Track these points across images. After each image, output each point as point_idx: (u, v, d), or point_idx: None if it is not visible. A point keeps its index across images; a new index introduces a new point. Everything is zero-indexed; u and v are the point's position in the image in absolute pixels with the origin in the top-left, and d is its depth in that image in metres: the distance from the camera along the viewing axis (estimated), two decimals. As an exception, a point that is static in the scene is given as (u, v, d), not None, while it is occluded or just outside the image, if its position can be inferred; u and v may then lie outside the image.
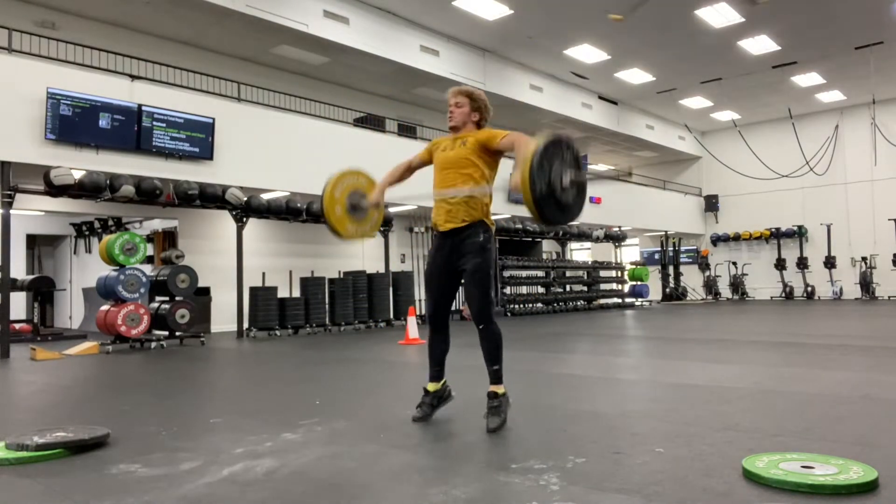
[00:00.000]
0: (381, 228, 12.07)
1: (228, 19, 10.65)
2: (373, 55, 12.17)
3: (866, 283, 18.53)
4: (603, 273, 17.83)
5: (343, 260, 13.01)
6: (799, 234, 20.27)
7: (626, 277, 18.25)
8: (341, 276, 11.74)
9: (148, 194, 8.80)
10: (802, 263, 19.91)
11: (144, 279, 8.58)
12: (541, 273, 15.72)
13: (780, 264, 20.32)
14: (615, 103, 18.43)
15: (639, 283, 18.38)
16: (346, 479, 2.51)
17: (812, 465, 2.39)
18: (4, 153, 7.76)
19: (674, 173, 22.92)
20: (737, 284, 20.97)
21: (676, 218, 21.01)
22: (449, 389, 3.58)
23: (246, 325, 10.27)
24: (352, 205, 3.60)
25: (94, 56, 9.01)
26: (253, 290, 10.38)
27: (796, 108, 19.08)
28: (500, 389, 3.27)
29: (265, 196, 10.45)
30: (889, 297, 18.50)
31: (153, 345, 8.56)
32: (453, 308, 3.68)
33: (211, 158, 9.49)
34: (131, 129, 8.65)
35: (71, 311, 13.44)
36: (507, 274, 14.59)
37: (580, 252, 23.54)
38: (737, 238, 21.63)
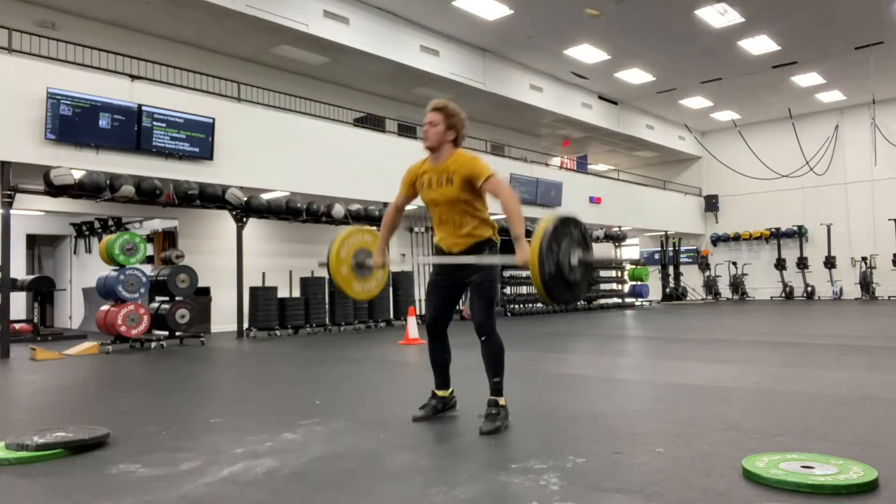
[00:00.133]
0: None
1: (228, 19, 10.65)
2: (373, 55, 12.17)
3: (866, 283, 18.54)
4: (603, 273, 17.82)
5: (343, 260, 13.00)
6: (799, 234, 20.27)
7: (626, 277, 18.25)
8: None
9: (148, 194, 8.80)
10: (802, 263, 19.91)
11: (144, 279, 8.58)
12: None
13: (780, 264, 20.32)
14: (615, 103, 18.43)
15: (639, 283, 18.39)
16: (346, 479, 2.51)
17: (812, 465, 2.39)
18: (4, 153, 7.76)
19: (674, 173, 22.92)
20: (737, 284, 20.97)
21: (676, 218, 21.01)
22: (455, 400, 3.60)
23: (246, 325, 10.27)
24: (357, 263, 3.63)
25: (94, 56, 9.01)
26: (253, 290, 10.37)
27: (796, 108, 19.08)
28: (500, 401, 3.27)
29: (265, 196, 10.45)
30: (889, 297, 18.50)
31: (153, 345, 8.56)
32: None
33: (211, 158, 9.49)
34: (131, 129, 8.65)
35: (71, 311, 13.44)
36: (507, 274, 14.58)
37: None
38: (737, 238, 21.64)
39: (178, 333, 8.80)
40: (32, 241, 13.50)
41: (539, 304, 15.53)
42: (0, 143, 7.70)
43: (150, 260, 11.11)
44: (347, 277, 3.61)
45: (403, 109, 15.14)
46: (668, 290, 19.90)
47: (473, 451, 2.90)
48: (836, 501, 2.11)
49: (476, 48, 14.17)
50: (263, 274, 10.84)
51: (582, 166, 20.45)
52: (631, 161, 23.15)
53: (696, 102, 18.74)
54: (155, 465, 2.73)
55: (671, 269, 20.11)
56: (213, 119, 9.48)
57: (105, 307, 8.55)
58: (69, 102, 8.08)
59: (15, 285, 10.04)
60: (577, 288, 2.91)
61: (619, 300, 18.05)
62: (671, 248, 20.26)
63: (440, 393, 3.53)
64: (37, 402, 4.77)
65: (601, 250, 20.88)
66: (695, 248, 21.67)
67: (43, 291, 11.65)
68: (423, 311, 12.57)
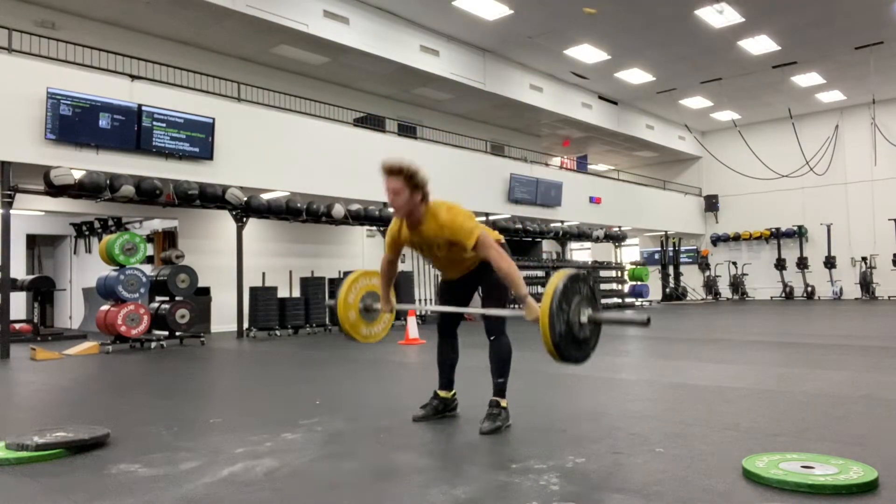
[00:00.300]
0: (381, 228, 12.07)
1: (228, 19, 10.65)
2: (373, 55, 12.17)
3: (866, 283, 18.53)
4: (603, 273, 17.82)
5: (343, 260, 13.01)
6: (799, 234, 20.27)
7: (626, 277, 18.24)
8: (341, 275, 11.73)
9: (148, 194, 8.80)
10: (802, 263, 19.91)
11: (144, 279, 8.58)
12: (541, 273, 15.71)
13: (780, 264, 20.32)
14: (615, 103, 18.43)
15: (639, 283, 18.38)
16: (346, 479, 2.51)
17: (812, 465, 2.39)
18: (4, 153, 7.76)
19: (674, 173, 22.92)
20: (737, 284, 20.97)
21: (676, 218, 21.01)
22: (457, 402, 3.61)
23: (246, 325, 10.27)
24: (364, 307, 3.64)
25: (94, 56, 9.00)
26: (253, 290, 10.37)
27: (796, 108, 19.08)
28: (502, 402, 3.27)
29: (265, 196, 10.45)
30: (889, 297, 18.50)
31: (153, 345, 8.56)
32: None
33: (211, 158, 9.48)
34: (131, 129, 8.65)
35: (71, 311, 13.44)
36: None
37: (580, 252, 23.53)
38: (737, 238, 21.64)
39: (178, 333, 8.80)
40: (32, 241, 13.50)
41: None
42: (0, 143, 7.70)
43: (150, 260, 11.10)
44: (355, 323, 3.63)
45: (403, 109, 15.15)
46: (668, 290, 19.90)
47: (473, 451, 2.90)
48: (836, 501, 2.11)
49: (476, 48, 14.17)
50: (263, 274, 10.84)
51: (582, 166, 20.45)
52: (631, 161, 23.15)
53: (696, 102, 18.74)
54: (155, 465, 2.73)
55: (671, 269, 20.10)
56: (213, 119, 9.48)
57: (105, 307, 8.55)
58: (69, 102, 8.08)
59: (15, 285, 10.04)
60: (586, 346, 2.87)
61: (619, 300, 18.04)
62: (671, 248, 20.26)
63: (442, 394, 3.53)
64: (37, 402, 4.77)
65: (601, 252, 20.90)
66: (695, 248, 21.67)
67: (43, 291, 11.65)
68: (423, 312, 12.45)
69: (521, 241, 15.95)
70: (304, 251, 12.59)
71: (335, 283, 11.28)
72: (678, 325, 10.92)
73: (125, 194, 8.55)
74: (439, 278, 3.64)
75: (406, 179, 3.05)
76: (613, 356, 6.71)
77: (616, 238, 18.00)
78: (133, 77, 9.06)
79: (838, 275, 19.47)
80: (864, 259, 18.79)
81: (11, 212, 7.85)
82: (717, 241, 22.10)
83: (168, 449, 3.00)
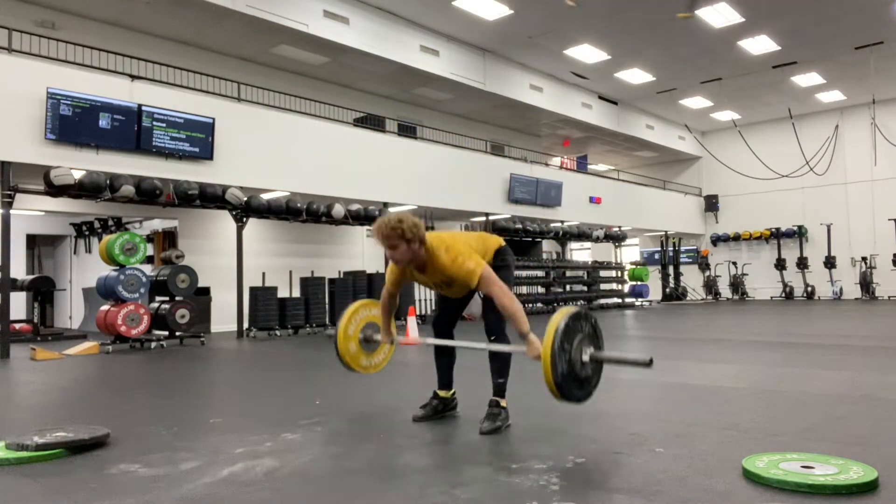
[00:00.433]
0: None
1: (228, 19, 10.65)
2: (373, 55, 12.17)
3: (866, 283, 18.53)
4: (603, 273, 17.82)
5: (343, 260, 13.02)
6: (799, 234, 20.27)
7: (626, 277, 18.25)
8: (341, 276, 11.75)
9: (148, 194, 8.80)
10: (802, 263, 19.90)
11: (144, 279, 8.58)
12: (541, 273, 15.72)
13: (780, 264, 20.32)
14: (615, 103, 18.43)
15: (639, 283, 18.38)
16: (346, 479, 2.51)
17: (812, 465, 2.39)
18: (4, 153, 7.75)
19: (674, 173, 22.92)
20: (737, 284, 20.96)
21: (676, 218, 21.01)
22: (456, 401, 3.61)
23: (246, 325, 10.27)
24: (365, 338, 3.65)
25: (94, 56, 9.00)
26: (253, 290, 10.37)
27: (796, 108, 19.08)
28: (502, 402, 3.28)
29: (265, 196, 10.45)
30: (889, 297, 18.50)
31: (153, 345, 8.56)
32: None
33: (211, 158, 9.48)
34: (131, 129, 8.65)
35: (71, 311, 13.44)
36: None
37: (580, 252, 23.54)
38: (737, 238, 21.63)
39: (178, 333, 8.80)
40: (32, 241, 13.50)
41: (539, 304, 15.53)
42: (0, 143, 7.71)
43: (150, 260, 11.11)
44: (356, 355, 3.64)
45: (403, 109, 15.15)
46: (668, 290, 19.90)
47: (473, 451, 2.90)
48: (836, 501, 2.11)
49: (476, 48, 14.17)
50: (263, 274, 10.85)
51: (582, 166, 20.44)
52: (631, 161, 23.15)
53: (696, 102, 18.73)
54: (155, 465, 2.73)
55: (671, 269, 20.10)
56: (213, 119, 9.48)
57: (105, 307, 8.55)
58: (69, 102, 8.08)
59: (15, 285, 10.04)
60: (588, 384, 2.88)
61: (619, 300, 18.05)
62: (671, 248, 20.26)
63: (442, 393, 3.54)
64: (37, 402, 4.77)
65: (601, 252, 20.89)
66: (695, 248, 21.67)
67: (43, 291, 11.65)
68: (424, 312, 12.46)
69: (521, 241, 15.95)
70: (304, 251, 12.59)
71: (335, 283, 11.30)
72: (678, 325, 10.92)
73: (125, 194, 8.55)
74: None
75: (401, 237, 3.03)
76: (613, 356, 6.71)
77: (616, 238, 18.00)
78: (133, 77, 9.06)
79: (838, 275, 19.47)
80: (864, 259, 18.79)
81: (11, 212, 7.84)
82: (717, 241, 22.10)
83: (168, 449, 3.00)
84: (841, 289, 19.31)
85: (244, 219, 10.14)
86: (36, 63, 8.19)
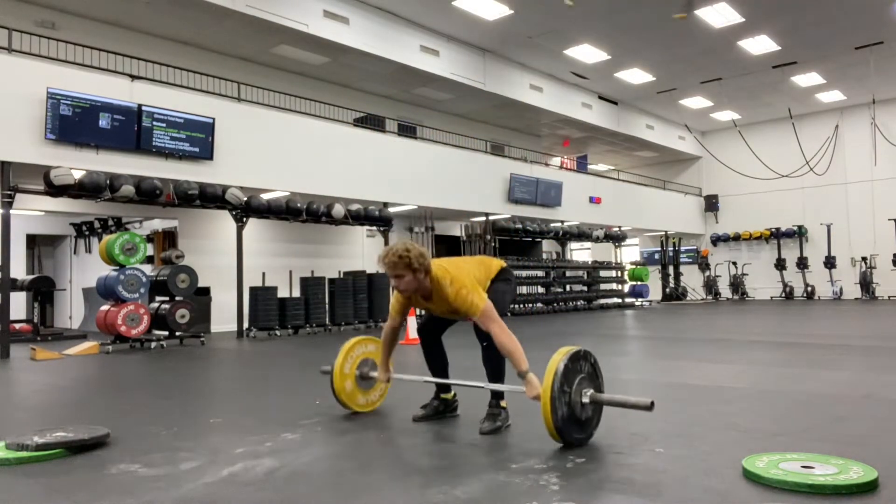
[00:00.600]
0: (381, 228, 12.08)
1: (228, 19, 10.65)
2: (373, 55, 12.18)
3: (866, 283, 18.53)
4: (603, 273, 17.82)
5: (343, 260, 13.02)
6: (799, 234, 20.27)
7: (626, 277, 18.25)
8: (341, 276, 11.74)
9: (148, 194, 8.80)
10: (802, 263, 19.91)
11: (144, 279, 8.58)
12: (541, 273, 15.72)
13: (780, 264, 20.32)
14: (615, 103, 18.43)
15: (639, 283, 18.38)
16: (346, 479, 2.51)
17: (812, 465, 2.39)
18: (4, 153, 7.76)
19: (674, 173, 22.92)
20: (737, 284, 20.97)
21: (676, 218, 21.02)
22: (457, 403, 3.62)
23: (246, 325, 10.27)
24: (361, 375, 3.65)
25: (94, 56, 9.01)
26: (253, 290, 10.37)
27: (796, 108, 19.08)
28: (502, 402, 3.29)
29: (265, 196, 10.45)
30: (889, 297, 18.50)
31: (153, 345, 8.56)
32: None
33: (211, 158, 9.49)
34: (131, 129, 8.65)
35: (71, 311, 13.44)
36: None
37: (580, 252, 23.54)
38: (737, 238, 21.64)
39: (178, 333, 8.80)
40: (32, 241, 13.50)
41: (539, 304, 15.53)
42: (0, 143, 7.71)
43: (150, 260, 11.11)
44: (351, 393, 3.63)
45: (403, 109, 15.16)
46: (668, 290, 19.90)
47: (473, 451, 2.90)
48: (836, 501, 2.11)
49: (476, 48, 14.17)
50: (263, 274, 10.84)
51: (582, 166, 20.45)
52: (631, 161, 23.15)
53: (696, 102, 18.74)
54: (155, 465, 2.73)
55: (671, 269, 20.11)
56: (213, 119, 9.48)
57: (105, 307, 8.55)
58: (69, 102, 8.08)
59: (15, 285, 10.04)
60: (588, 426, 2.89)
61: (619, 300, 18.05)
62: (671, 248, 20.26)
63: (443, 395, 3.54)
64: (37, 402, 4.77)
65: (601, 252, 20.89)
66: (695, 248, 21.67)
67: (43, 291, 11.65)
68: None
69: (521, 241, 15.95)
70: (304, 251, 12.59)
71: (335, 284, 11.30)
72: (678, 325, 10.92)
73: (125, 194, 8.55)
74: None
75: (406, 267, 3.06)
76: (613, 356, 6.71)
77: (616, 238, 18.00)
78: (133, 77, 9.06)
79: (838, 275, 19.47)
80: (864, 259, 18.79)
81: (11, 212, 7.85)
82: (717, 241, 22.11)
83: (168, 449, 3.00)
84: (841, 289, 19.31)
85: (244, 219, 10.14)
86: (36, 63, 8.19)
